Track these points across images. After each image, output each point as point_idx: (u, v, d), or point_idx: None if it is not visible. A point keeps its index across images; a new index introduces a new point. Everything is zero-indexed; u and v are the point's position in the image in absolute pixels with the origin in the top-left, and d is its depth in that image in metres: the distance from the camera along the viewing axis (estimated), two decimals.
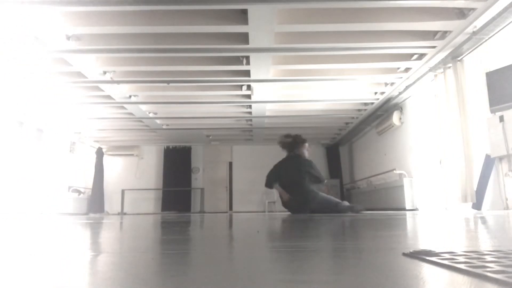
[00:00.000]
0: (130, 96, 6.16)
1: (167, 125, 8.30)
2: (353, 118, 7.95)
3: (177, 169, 10.39)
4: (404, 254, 0.73)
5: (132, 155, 10.55)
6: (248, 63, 4.89)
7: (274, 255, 0.87)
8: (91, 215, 7.98)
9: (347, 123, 8.44)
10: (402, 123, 7.01)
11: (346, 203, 4.80)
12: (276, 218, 3.34)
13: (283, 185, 4.92)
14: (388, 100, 6.73)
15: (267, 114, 7.39)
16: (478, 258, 0.64)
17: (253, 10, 3.63)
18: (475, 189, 4.44)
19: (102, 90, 5.87)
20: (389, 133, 7.55)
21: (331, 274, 0.62)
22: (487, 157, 4.38)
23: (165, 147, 10.58)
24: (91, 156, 10.08)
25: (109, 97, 6.21)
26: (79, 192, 9.51)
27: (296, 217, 3.55)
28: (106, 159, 10.31)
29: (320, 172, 5.10)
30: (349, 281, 0.53)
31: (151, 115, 7.30)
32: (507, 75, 4.07)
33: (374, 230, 1.68)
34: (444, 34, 4.21)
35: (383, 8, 3.86)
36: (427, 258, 0.66)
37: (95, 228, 2.29)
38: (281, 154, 5.24)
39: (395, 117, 6.99)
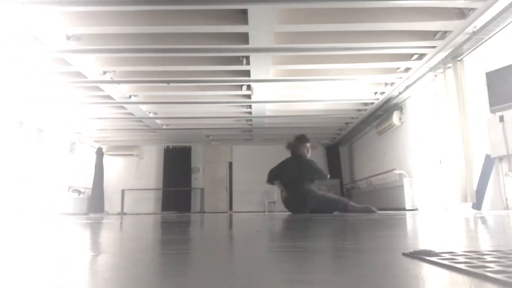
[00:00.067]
0: (130, 96, 6.16)
1: (167, 125, 8.30)
2: (353, 118, 7.96)
3: (177, 169, 10.39)
4: (404, 254, 0.73)
5: (132, 155, 10.56)
6: (248, 63, 4.89)
7: (274, 255, 0.86)
8: (91, 215, 7.96)
9: (347, 123, 8.45)
10: (402, 123, 7.01)
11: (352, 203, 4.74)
12: (276, 218, 3.33)
13: (283, 184, 4.93)
14: (388, 100, 6.73)
15: (267, 114, 7.39)
16: (478, 258, 0.64)
17: (253, 10, 3.63)
18: (475, 189, 4.45)
19: (102, 90, 5.87)
20: (389, 133, 7.56)
21: (331, 274, 0.62)
22: (487, 157, 4.38)
23: (165, 147, 10.58)
24: (91, 156, 10.09)
25: (109, 97, 6.21)
26: (79, 192, 9.51)
27: (296, 217, 3.55)
28: (106, 159, 10.32)
29: (322, 169, 5.08)
30: (349, 281, 0.53)
31: (151, 115, 7.30)
32: (507, 75, 4.07)
33: (374, 230, 1.68)
34: (444, 34, 4.22)
35: (383, 8, 3.86)
36: (427, 258, 0.66)
37: (95, 228, 2.28)
38: (281, 154, 5.23)
39: (395, 117, 6.99)
